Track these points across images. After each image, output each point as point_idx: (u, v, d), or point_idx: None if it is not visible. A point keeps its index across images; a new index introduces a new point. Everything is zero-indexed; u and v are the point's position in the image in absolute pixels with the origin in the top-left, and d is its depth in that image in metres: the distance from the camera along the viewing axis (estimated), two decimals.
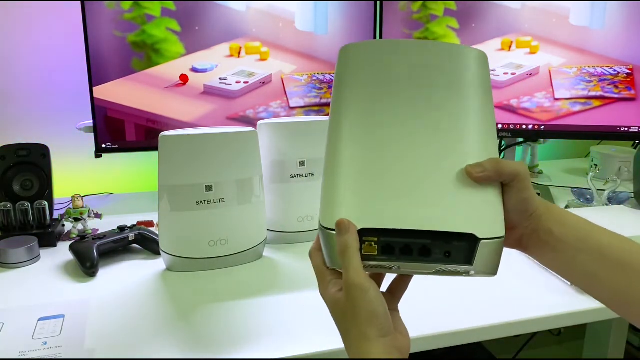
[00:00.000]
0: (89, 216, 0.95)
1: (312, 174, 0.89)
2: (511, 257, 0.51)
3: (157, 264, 0.83)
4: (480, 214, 0.44)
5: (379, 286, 0.48)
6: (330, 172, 0.45)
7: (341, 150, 0.45)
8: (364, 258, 0.42)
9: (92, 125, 1.07)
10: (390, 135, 0.46)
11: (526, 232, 0.47)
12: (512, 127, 1.16)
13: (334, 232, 0.42)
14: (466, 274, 0.43)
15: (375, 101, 0.47)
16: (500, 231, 0.44)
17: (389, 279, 0.49)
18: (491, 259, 0.43)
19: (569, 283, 0.73)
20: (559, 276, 0.48)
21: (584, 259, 0.45)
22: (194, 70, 1.10)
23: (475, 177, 0.44)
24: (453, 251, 0.43)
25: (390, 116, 0.46)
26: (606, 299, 0.46)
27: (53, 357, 0.58)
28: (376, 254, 0.43)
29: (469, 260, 0.43)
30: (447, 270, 0.43)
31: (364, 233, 0.42)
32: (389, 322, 0.42)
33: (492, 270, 0.44)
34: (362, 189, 0.44)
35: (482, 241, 0.42)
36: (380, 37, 1.22)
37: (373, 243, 0.43)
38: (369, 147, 0.45)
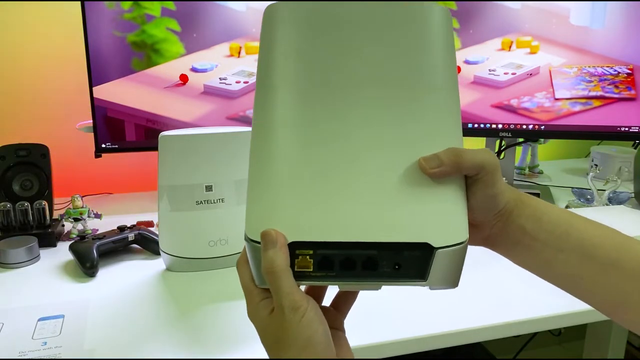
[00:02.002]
0: (88, 216, 0.95)
1: None
2: None
3: (157, 264, 0.83)
4: (437, 217, 0.36)
5: (321, 300, 0.42)
6: (257, 172, 0.37)
7: (271, 144, 0.37)
8: (297, 276, 0.35)
9: (92, 125, 1.07)
10: (331, 125, 0.38)
11: (493, 231, 0.41)
12: (512, 127, 1.16)
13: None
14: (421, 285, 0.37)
15: (312, 81, 0.39)
16: (462, 235, 0.36)
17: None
18: (450, 270, 0.36)
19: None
20: (537, 276, 0.42)
21: (565, 259, 0.39)
22: (194, 70, 1.10)
23: (430, 172, 0.37)
24: (404, 263, 0.35)
25: (331, 101, 0.38)
26: (593, 301, 0.41)
27: (53, 357, 0.57)
28: (311, 269, 0.35)
29: (422, 274, 0.35)
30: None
31: (297, 245, 0.35)
32: (330, 347, 0.35)
33: (452, 283, 0.37)
34: (296, 193, 0.36)
35: (438, 250, 0.35)
36: None
37: (308, 257, 0.35)
38: (304, 138, 0.37)
